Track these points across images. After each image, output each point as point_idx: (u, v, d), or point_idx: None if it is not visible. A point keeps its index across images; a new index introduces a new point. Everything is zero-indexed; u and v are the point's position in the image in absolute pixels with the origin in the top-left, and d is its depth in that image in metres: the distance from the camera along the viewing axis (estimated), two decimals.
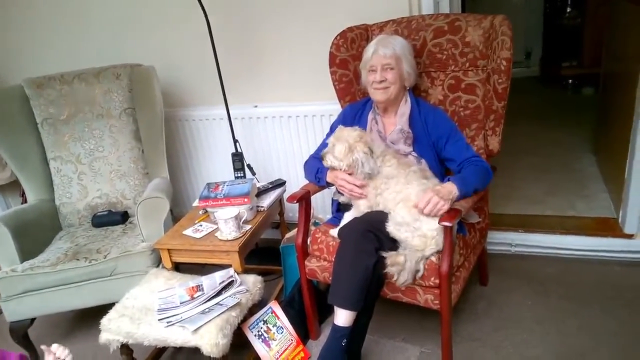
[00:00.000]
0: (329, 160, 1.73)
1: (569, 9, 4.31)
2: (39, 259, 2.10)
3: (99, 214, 2.40)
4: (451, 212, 1.52)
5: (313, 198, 1.93)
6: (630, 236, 2.19)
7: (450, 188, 1.57)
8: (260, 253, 2.50)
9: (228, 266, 1.85)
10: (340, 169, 1.71)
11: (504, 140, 1.84)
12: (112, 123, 2.41)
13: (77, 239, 2.26)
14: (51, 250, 2.20)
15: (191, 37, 2.47)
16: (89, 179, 2.43)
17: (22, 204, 3.03)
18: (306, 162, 1.93)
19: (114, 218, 2.37)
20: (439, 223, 1.50)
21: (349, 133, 1.67)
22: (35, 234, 2.26)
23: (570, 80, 4.32)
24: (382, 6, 2.10)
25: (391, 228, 1.58)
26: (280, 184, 2.27)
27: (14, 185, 3.08)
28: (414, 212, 1.56)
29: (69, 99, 2.41)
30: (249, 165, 2.37)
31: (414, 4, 2.11)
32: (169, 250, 1.99)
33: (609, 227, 2.29)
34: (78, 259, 2.05)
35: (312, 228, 1.96)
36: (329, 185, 1.82)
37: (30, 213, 2.32)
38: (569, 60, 4.33)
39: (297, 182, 2.45)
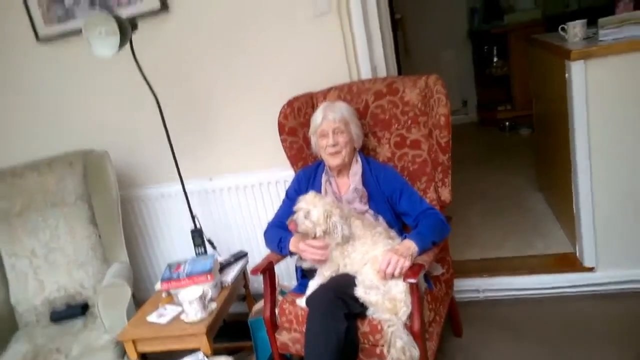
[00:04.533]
0: (303, 225, 1.69)
1: (495, 59, 4.65)
2: None
3: (57, 308, 2.29)
4: (414, 268, 1.54)
5: (276, 266, 1.92)
6: (590, 269, 2.24)
7: (408, 244, 1.60)
8: (229, 329, 2.43)
9: (197, 350, 1.79)
10: (314, 235, 1.69)
11: (453, 188, 1.91)
12: (67, 211, 2.35)
13: (35, 339, 2.15)
14: (8, 355, 2.07)
15: (141, 117, 2.50)
16: (45, 273, 2.33)
17: None
18: (266, 231, 1.94)
19: (73, 311, 2.27)
20: (403, 280, 1.52)
21: (322, 199, 1.69)
22: None
23: (507, 123, 4.58)
24: (324, 74, 2.20)
25: (360, 292, 1.59)
26: (242, 255, 2.26)
27: None
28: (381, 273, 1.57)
29: (21, 190, 2.36)
30: (209, 240, 2.35)
31: (353, 70, 2.23)
32: (133, 340, 1.91)
33: (570, 263, 2.35)
34: None
35: (279, 298, 1.94)
36: (292, 254, 1.83)
37: None
38: (503, 104, 4.61)
39: (258, 251, 2.44)
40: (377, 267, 1.59)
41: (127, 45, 2.04)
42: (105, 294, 2.03)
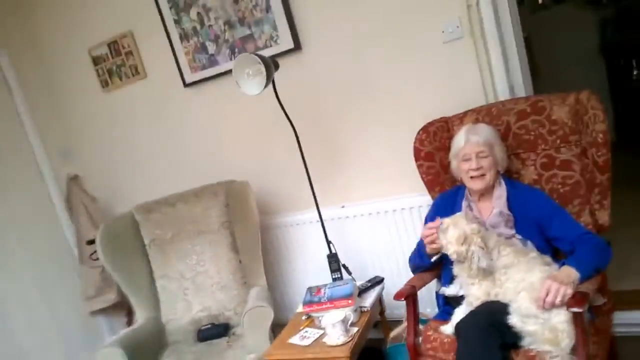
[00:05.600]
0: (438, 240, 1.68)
1: (635, 72, 4.25)
2: None
3: (203, 327, 2.46)
4: (577, 297, 1.43)
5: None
6: None
7: (569, 271, 1.50)
8: (364, 356, 2.41)
9: None
10: (446, 252, 1.67)
11: None
12: (212, 238, 2.54)
13: (184, 356, 2.31)
14: None
15: (278, 148, 2.65)
16: (192, 294, 2.53)
17: (126, 324, 3.20)
18: (409, 257, 1.94)
19: (217, 331, 2.42)
20: (567, 309, 1.41)
21: (467, 223, 1.65)
22: (145, 354, 2.34)
23: None
24: (457, 98, 2.17)
25: (516, 321, 1.50)
26: (378, 281, 2.26)
27: (118, 307, 3.26)
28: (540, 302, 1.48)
29: (173, 219, 2.60)
30: (344, 265, 2.38)
31: (490, 92, 2.17)
32: None
33: None
34: None
35: (420, 326, 1.90)
36: (430, 257, 1.79)
37: (141, 333, 2.44)
38: None
39: (392, 278, 2.42)
40: (534, 294, 1.49)
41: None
42: (251, 315, 2.14)
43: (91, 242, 3.02)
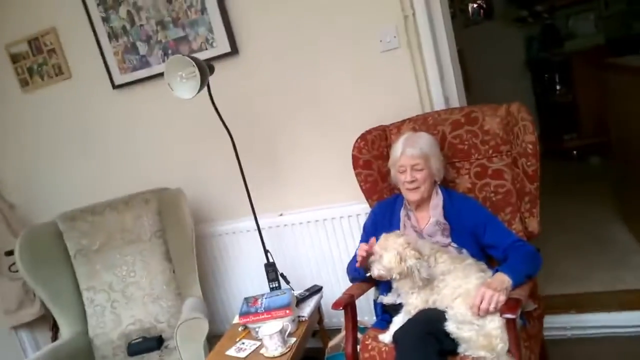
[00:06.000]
0: (376, 270, 1.65)
1: (558, 87, 4.53)
2: None
3: (133, 342, 2.34)
4: (510, 303, 1.46)
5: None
6: None
7: (502, 278, 1.53)
8: None
9: None
10: (391, 278, 1.65)
11: None
12: (143, 247, 2.43)
13: None
14: None
15: (213, 155, 2.58)
16: (122, 306, 2.40)
17: (51, 338, 2.98)
18: (347, 266, 1.92)
19: (149, 345, 2.31)
20: (500, 315, 1.44)
21: (395, 240, 1.63)
22: None
23: (574, 152, 4.42)
24: (396, 107, 2.19)
25: (452, 327, 1.52)
26: (316, 290, 2.23)
27: (42, 320, 3.04)
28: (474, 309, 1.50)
29: (100, 228, 2.46)
30: (282, 275, 2.34)
31: (426, 102, 2.21)
32: None
33: None
34: None
35: (359, 335, 1.89)
36: (367, 272, 1.76)
37: (66, 349, 2.30)
38: (569, 133, 4.46)
39: (331, 286, 2.41)
40: (469, 301, 1.52)
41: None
42: (184, 327, 2.05)
43: (10, 252, 2.80)
